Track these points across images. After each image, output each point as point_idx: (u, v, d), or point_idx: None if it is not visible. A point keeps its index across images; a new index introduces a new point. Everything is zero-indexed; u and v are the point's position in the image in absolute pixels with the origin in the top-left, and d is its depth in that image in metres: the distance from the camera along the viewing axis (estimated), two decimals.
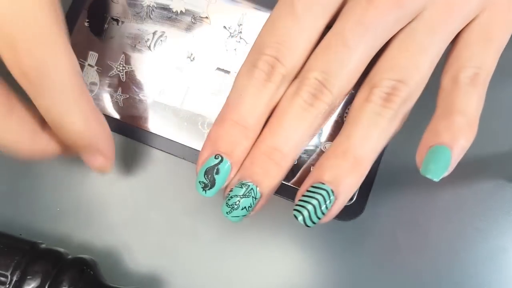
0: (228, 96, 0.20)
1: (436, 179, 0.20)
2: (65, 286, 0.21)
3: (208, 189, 0.20)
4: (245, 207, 0.20)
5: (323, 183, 0.19)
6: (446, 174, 0.20)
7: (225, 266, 0.24)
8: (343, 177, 0.19)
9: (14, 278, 0.21)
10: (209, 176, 0.20)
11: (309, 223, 0.19)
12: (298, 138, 0.20)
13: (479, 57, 0.20)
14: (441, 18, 0.20)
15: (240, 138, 0.20)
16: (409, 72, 0.20)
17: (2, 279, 0.21)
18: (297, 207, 0.20)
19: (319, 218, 0.20)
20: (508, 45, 0.26)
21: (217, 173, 0.20)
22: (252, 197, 0.20)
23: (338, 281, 0.24)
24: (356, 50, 0.19)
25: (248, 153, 0.20)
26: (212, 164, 0.20)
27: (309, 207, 0.19)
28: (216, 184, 0.20)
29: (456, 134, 0.20)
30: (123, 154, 0.26)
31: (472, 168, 0.25)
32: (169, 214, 0.25)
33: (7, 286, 0.21)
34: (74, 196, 0.25)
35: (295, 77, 0.20)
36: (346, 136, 0.20)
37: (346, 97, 0.22)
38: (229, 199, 0.20)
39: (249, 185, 0.20)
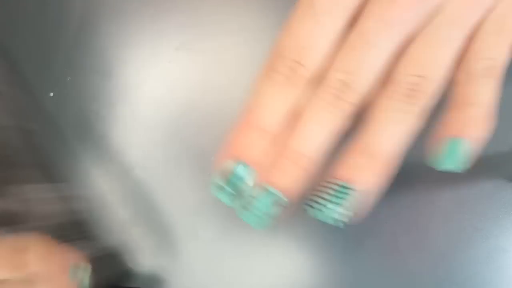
0: (248, 102, 0.20)
1: (457, 171, 0.20)
2: None
3: (232, 197, 0.20)
4: (272, 214, 0.19)
5: (346, 182, 0.19)
6: (465, 166, 0.20)
7: (225, 266, 0.24)
8: (366, 179, 0.19)
9: None
10: (234, 185, 0.19)
11: (339, 224, 0.19)
12: (322, 141, 0.20)
13: (494, 49, 0.20)
14: (462, 11, 0.19)
15: (259, 141, 0.20)
16: (432, 67, 0.19)
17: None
18: (311, 202, 0.20)
19: (347, 217, 0.19)
20: None
21: (238, 179, 0.19)
22: (279, 203, 0.19)
23: (338, 281, 0.24)
24: (379, 48, 0.19)
25: (274, 160, 0.20)
26: (233, 170, 0.19)
27: (328, 204, 0.19)
28: (238, 191, 0.20)
29: (473, 126, 0.20)
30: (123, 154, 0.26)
31: (472, 168, 0.25)
32: (169, 214, 0.25)
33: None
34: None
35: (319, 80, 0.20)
36: (371, 135, 0.20)
37: None
38: (255, 207, 0.19)
39: (275, 193, 0.19)
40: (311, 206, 0.19)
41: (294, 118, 0.20)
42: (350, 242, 0.24)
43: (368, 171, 0.19)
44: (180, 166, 0.25)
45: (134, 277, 0.24)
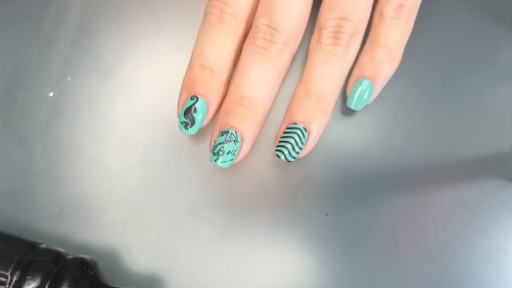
0: (194, 44, 0.23)
1: (357, 109, 0.23)
2: (65, 286, 0.21)
3: (190, 127, 0.22)
4: (229, 151, 0.22)
5: (295, 123, 0.22)
6: (364, 104, 0.23)
7: (225, 266, 0.24)
8: (310, 115, 0.22)
9: (14, 278, 0.21)
10: (189, 115, 0.22)
11: (290, 158, 0.22)
12: (261, 83, 0.22)
13: None
14: None
15: (208, 78, 0.22)
16: (349, 8, 0.21)
17: (2, 279, 0.21)
18: (278, 147, 0.22)
19: (297, 153, 0.22)
20: (508, 45, 0.26)
21: (195, 111, 0.22)
22: (234, 140, 0.22)
23: (338, 281, 0.24)
24: None
25: (222, 105, 0.22)
26: (189, 105, 0.22)
27: (288, 145, 0.22)
28: (196, 121, 0.22)
29: (377, 67, 0.23)
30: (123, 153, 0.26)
31: (472, 168, 0.25)
32: (169, 214, 0.25)
33: (7, 286, 0.21)
34: (74, 196, 0.25)
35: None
36: (306, 79, 0.22)
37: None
38: (214, 149, 0.22)
39: (228, 131, 0.22)
40: (279, 150, 0.22)
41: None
42: (350, 242, 0.24)
43: (309, 111, 0.22)
44: (180, 166, 0.25)
45: (134, 277, 0.24)
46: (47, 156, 0.26)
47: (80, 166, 0.25)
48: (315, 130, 0.22)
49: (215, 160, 0.22)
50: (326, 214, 0.25)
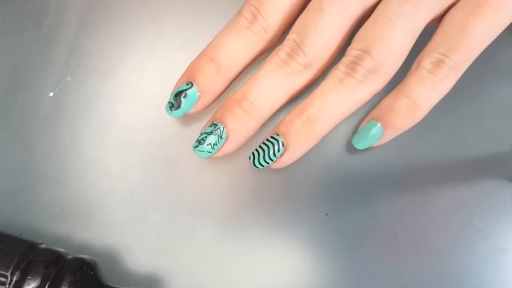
0: (214, 36, 0.22)
1: (359, 148, 0.23)
2: (65, 286, 0.21)
3: (174, 109, 0.22)
4: (210, 144, 0.22)
5: (277, 134, 0.22)
6: (369, 146, 0.23)
7: (225, 266, 0.24)
8: (293, 132, 0.22)
9: (14, 278, 0.21)
10: (177, 98, 0.22)
11: (257, 164, 0.22)
12: (269, 93, 0.22)
13: (449, 46, 0.20)
14: None
15: (212, 71, 0.22)
16: (374, 43, 0.20)
17: (2, 279, 0.21)
18: (254, 150, 0.23)
19: (266, 162, 0.22)
20: (508, 45, 0.26)
21: (184, 97, 0.22)
22: (218, 135, 0.22)
23: (338, 281, 0.24)
24: (329, 14, 0.21)
25: (225, 102, 0.22)
26: (182, 89, 0.22)
27: (261, 152, 0.22)
28: (181, 106, 0.22)
29: (394, 116, 0.21)
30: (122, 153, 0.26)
31: (472, 168, 0.25)
32: (169, 214, 0.25)
33: (7, 286, 0.21)
34: (74, 196, 0.25)
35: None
36: (308, 98, 0.22)
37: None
38: (200, 136, 0.22)
39: (217, 125, 0.22)
40: (252, 153, 0.22)
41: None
42: (350, 242, 0.24)
43: (293, 128, 0.22)
44: (180, 166, 0.25)
45: (134, 277, 0.24)
46: (47, 156, 0.26)
47: (80, 166, 0.25)
48: (292, 149, 0.22)
49: (195, 147, 0.22)
50: (326, 214, 0.25)
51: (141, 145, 0.25)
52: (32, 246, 0.22)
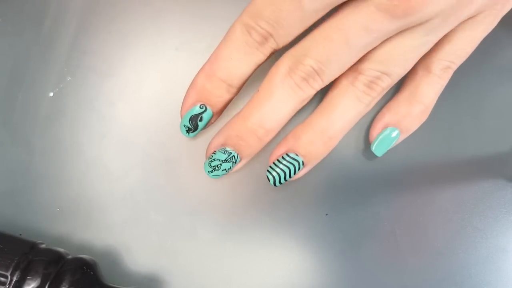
0: (219, 48, 0.21)
1: (379, 155, 0.24)
2: (65, 286, 0.21)
3: (192, 132, 0.23)
4: (225, 169, 0.22)
5: (297, 155, 0.22)
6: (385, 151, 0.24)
7: (225, 266, 0.24)
8: (315, 152, 0.22)
9: (14, 278, 0.21)
10: (194, 122, 0.22)
11: (278, 184, 0.23)
12: (282, 116, 0.21)
13: (458, 53, 0.22)
14: (442, 22, 0.20)
15: (224, 93, 0.22)
16: (397, 67, 0.21)
17: (2, 279, 0.21)
18: (271, 170, 0.23)
19: (286, 180, 0.23)
20: (508, 45, 0.26)
21: (200, 120, 0.22)
22: (233, 162, 0.22)
23: (338, 281, 0.24)
24: (355, 50, 0.20)
25: (235, 126, 0.22)
26: (197, 112, 0.22)
27: (281, 173, 0.22)
28: (198, 128, 0.23)
29: (412, 121, 0.23)
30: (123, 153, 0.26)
31: (472, 168, 0.25)
32: (169, 214, 0.25)
33: (7, 286, 0.21)
34: (74, 196, 0.25)
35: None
36: (327, 116, 0.22)
37: None
38: (211, 161, 0.22)
39: (231, 153, 0.22)
40: (271, 173, 0.23)
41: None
42: (350, 242, 0.24)
43: (316, 149, 0.22)
44: (180, 166, 0.25)
45: (134, 277, 0.24)
46: (47, 156, 0.26)
47: (80, 166, 0.25)
48: (311, 164, 0.23)
49: (209, 171, 0.23)
50: (326, 214, 0.25)
51: (141, 145, 0.25)
52: (32, 246, 0.22)
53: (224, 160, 0.22)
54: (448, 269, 0.24)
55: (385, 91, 0.22)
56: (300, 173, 0.23)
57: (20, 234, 0.23)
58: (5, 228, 0.24)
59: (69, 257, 0.22)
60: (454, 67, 0.22)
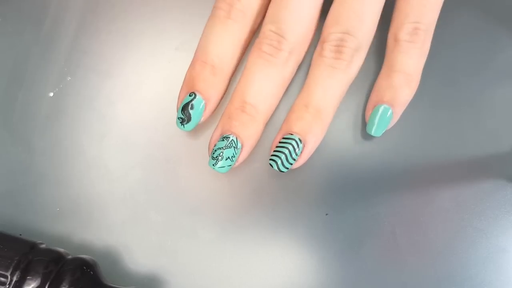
0: (200, 38, 0.22)
1: (377, 135, 0.23)
2: (65, 286, 0.21)
3: (186, 123, 0.22)
4: (228, 157, 0.22)
5: (291, 134, 0.22)
6: (385, 129, 0.23)
7: (225, 266, 0.24)
8: (307, 127, 0.22)
9: (14, 278, 0.21)
10: (185, 111, 0.22)
11: (282, 168, 0.22)
12: (265, 90, 0.22)
13: (418, 12, 0.22)
14: None
15: (208, 75, 0.22)
16: (353, 23, 0.21)
17: (2, 279, 0.21)
18: (272, 157, 0.22)
19: (290, 164, 0.22)
20: (508, 45, 0.26)
21: (191, 108, 0.22)
22: (234, 147, 0.22)
23: (338, 281, 0.24)
24: (306, 1, 0.21)
25: (226, 111, 0.22)
26: (187, 101, 0.22)
27: (282, 156, 0.22)
28: (192, 118, 0.22)
29: (395, 92, 0.22)
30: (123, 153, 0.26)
31: (472, 168, 0.25)
32: (169, 214, 0.25)
33: (7, 286, 0.21)
34: (74, 196, 0.25)
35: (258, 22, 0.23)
36: (306, 91, 0.22)
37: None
38: (213, 153, 0.22)
39: (229, 137, 0.22)
40: (272, 159, 0.22)
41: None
42: (350, 242, 0.24)
43: (307, 123, 0.22)
44: (180, 166, 0.25)
45: (134, 277, 0.24)
46: (47, 156, 0.26)
47: (80, 166, 0.25)
48: (311, 143, 0.22)
49: (213, 164, 0.22)
50: (326, 214, 0.25)
51: (141, 145, 0.25)
52: (32, 246, 0.22)
53: (225, 146, 0.22)
54: (448, 269, 0.24)
55: (359, 54, 0.21)
56: (304, 156, 0.22)
57: (20, 234, 0.23)
58: (5, 228, 0.24)
59: (69, 257, 0.22)
60: (424, 27, 0.22)
